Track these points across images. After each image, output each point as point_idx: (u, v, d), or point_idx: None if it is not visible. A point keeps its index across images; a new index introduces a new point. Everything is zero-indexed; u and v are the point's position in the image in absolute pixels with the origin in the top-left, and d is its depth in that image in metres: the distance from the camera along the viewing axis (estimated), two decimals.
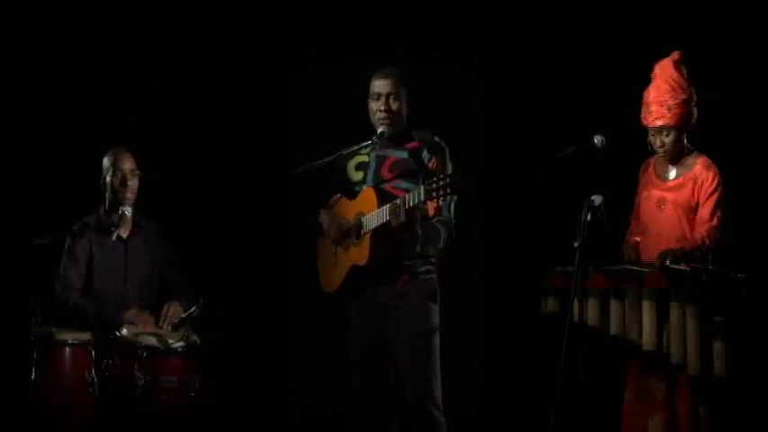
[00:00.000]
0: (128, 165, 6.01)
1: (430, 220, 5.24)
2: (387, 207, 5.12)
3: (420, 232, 5.18)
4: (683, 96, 5.65)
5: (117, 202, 5.98)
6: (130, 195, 5.99)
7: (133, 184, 6.01)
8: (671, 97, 5.64)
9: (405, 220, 5.07)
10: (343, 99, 6.12)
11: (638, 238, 5.73)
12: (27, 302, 5.49)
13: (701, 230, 5.60)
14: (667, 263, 5.46)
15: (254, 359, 6.72)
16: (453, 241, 5.29)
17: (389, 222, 5.11)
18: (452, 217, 5.30)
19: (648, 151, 5.77)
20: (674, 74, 5.67)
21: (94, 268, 6.00)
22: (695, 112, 5.68)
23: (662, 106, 5.64)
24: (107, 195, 6.02)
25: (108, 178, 6.01)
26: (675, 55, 5.71)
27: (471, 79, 6.54)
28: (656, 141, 5.70)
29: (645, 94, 5.72)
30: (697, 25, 6.19)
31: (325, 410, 6.48)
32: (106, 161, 6.04)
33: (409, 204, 5.06)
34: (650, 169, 5.80)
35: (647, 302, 5.41)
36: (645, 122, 5.71)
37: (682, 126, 5.67)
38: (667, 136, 5.68)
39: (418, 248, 5.23)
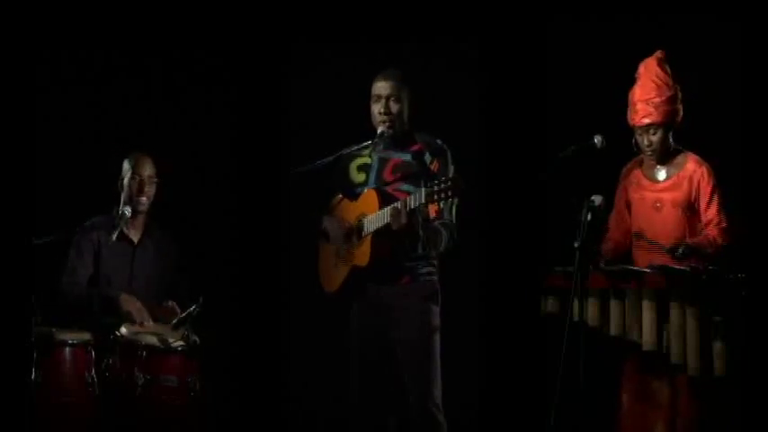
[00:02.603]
0: (147, 171, 6.05)
1: (431, 223, 5.24)
2: (388, 209, 5.12)
3: (422, 234, 5.18)
4: (669, 94, 5.66)
5: (129, 205, 6.00)
6: (145, 201, 6.03)
7: (149, 190, 6.05)
8: (657, 95, 5.65)
9: (405, 223, 5.07)
10: (344, 99, 6.12)
11: (611, 245, 5.73)
12: (27, 302, 5.49)
13: (713, 232, 5.60)
14: (679, 252, 5.46)
15: (255, 359, 6.72)
16: (455, 243, 5.29)
17: (390, 225, 5.11)
18: (454, 219, 5.30)
19: (635, 152, 5.77)
20: (659, 72, 5.68)
21: (101, 266, 6.02)
22: (681, 109, 5.69)
23: (648, 104, 5.65)
24: (123, 197, 6.04)
25: (126, 181, 6.03)
26: (659, 53, 5.72)
27: (471, 80, 6.54)
28: (643, 141, 5.70)
29: (630, 93, 5.72)
30: (697, 25, 6.19)
31: (325, 410, 6.48)
32: (126, 164, 6.07)
33: (410, 207, 5.06)
34: (637, 172, 5.79)
35: (647, 302, 5.41)
36: (631, 122, 5.71)
37: (668, 123, 5.67)
38: (654, 134, 5.68)
39: (420, 250, 5.24)
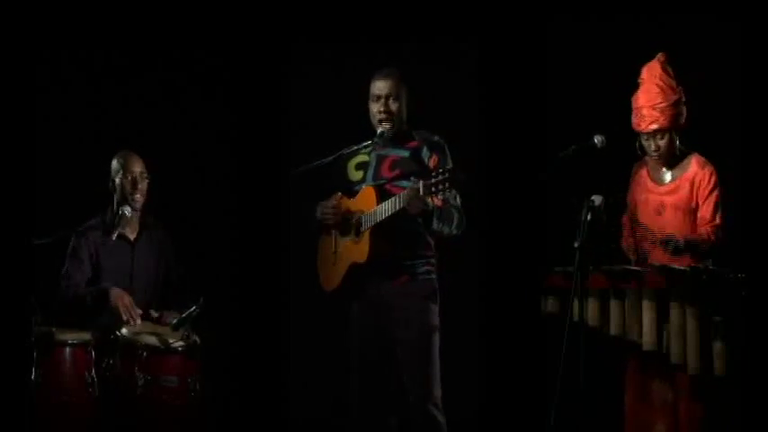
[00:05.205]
0: (138, 168, 6.03)
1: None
2: (390, 200, 5.12)
3: (435, 210, 5.16)
4: (675, 97, 5.63)
5: (126, 204, 5.99)
6: (140, 198, 6.02)
7: (143, 186, 6.03)
8: (663, 99, 5.61)
9: (422, 206, 5.06)
10: (344, 99, 6.12)
11: (631, 242, 5.73)
12: (27, 302, 5.49)
13: (706, 229, 5.59)
14: (670, 248, 5.46)
15: (255, 359, 6.72)
16: (463, 228, 5.29)
17: (390, 218, 5.11)
18: (460, 206, 5.31)
19: (636, 153, 5.76)
20: (663, 75, 5.64)
21: (101, 268, 6.01)
22: (685, 111, 5.67)
23: (654, 110, 5.61)
24: (116, 197, 6.04)
25: (118, 180, 6.03)
26: (661, 56, 5.68)
27: (471, 79, 6.54)
28: (650, 146, 5.67)
29: (634, 99, 5.68)
30: (697, 25, 6.19)
31: (325, 410, 6.48)
32: (116, 163, 6.05)
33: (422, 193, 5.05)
34: (644, 173, 5.77)
35: (647, 302, 5.41)
36: (638, 128, 5.67)
37: (675, 127, 5.65)
38: (662, 139, 5.65)
39: (435, 224, 5.19)
